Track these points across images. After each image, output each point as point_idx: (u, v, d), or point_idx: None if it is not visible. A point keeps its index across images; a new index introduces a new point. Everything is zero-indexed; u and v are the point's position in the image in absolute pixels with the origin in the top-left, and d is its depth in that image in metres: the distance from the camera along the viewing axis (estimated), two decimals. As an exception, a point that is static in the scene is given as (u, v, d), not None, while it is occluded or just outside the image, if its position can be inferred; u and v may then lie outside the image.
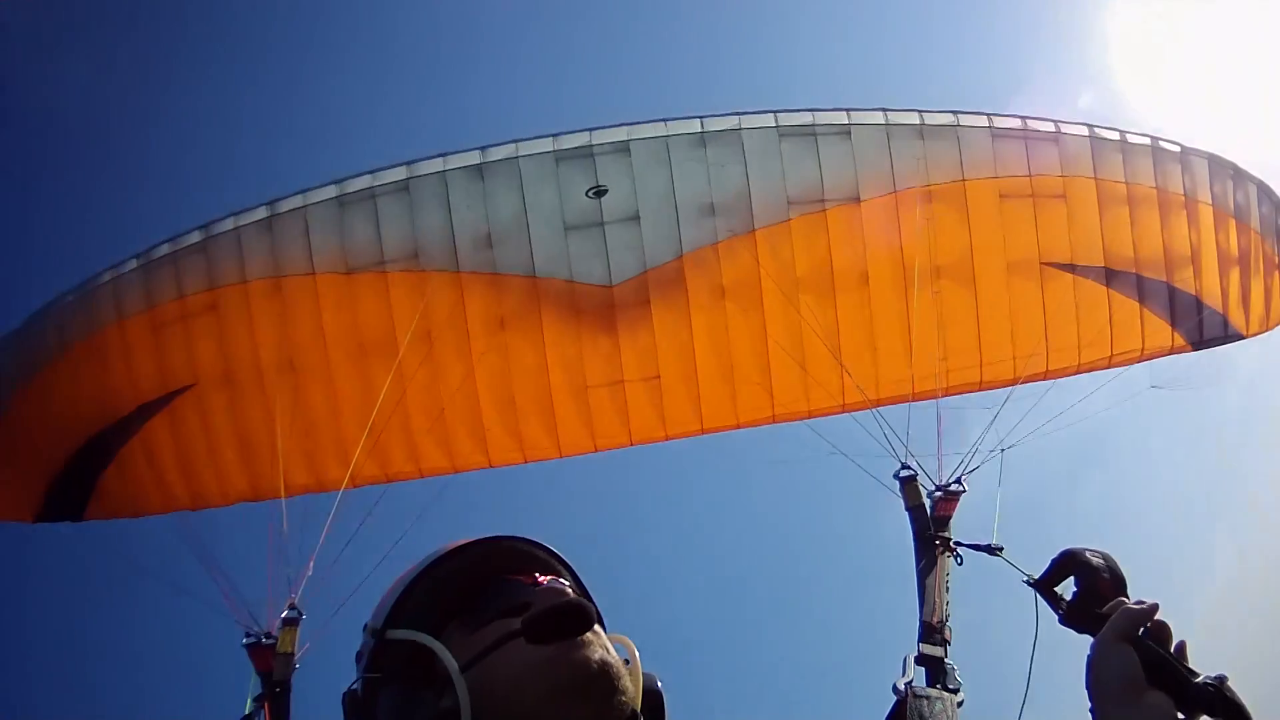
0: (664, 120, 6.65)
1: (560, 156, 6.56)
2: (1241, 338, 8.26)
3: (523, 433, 6.61)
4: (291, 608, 5.66)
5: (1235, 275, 7.99)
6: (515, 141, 6.64)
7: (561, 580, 1.76)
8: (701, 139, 6.63)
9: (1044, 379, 7.30)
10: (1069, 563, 2.36)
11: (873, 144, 6.78)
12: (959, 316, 6.93)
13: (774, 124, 6.70)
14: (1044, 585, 2.58)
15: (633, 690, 1.60)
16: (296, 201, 6.77)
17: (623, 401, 6.60)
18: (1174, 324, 7.79)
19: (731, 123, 6.68)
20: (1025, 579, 3.97)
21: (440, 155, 6.67)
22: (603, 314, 6.50)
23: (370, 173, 6.70)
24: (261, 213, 6.78)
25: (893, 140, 6.83)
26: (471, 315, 6.55)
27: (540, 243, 6.53)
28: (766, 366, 6.57)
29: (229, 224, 6.82)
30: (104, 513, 7.10)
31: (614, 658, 1.58)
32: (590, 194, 6.52)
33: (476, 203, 6.57)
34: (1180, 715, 1.70)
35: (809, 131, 6.70)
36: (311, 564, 5.76)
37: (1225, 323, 8.05)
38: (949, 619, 5.16)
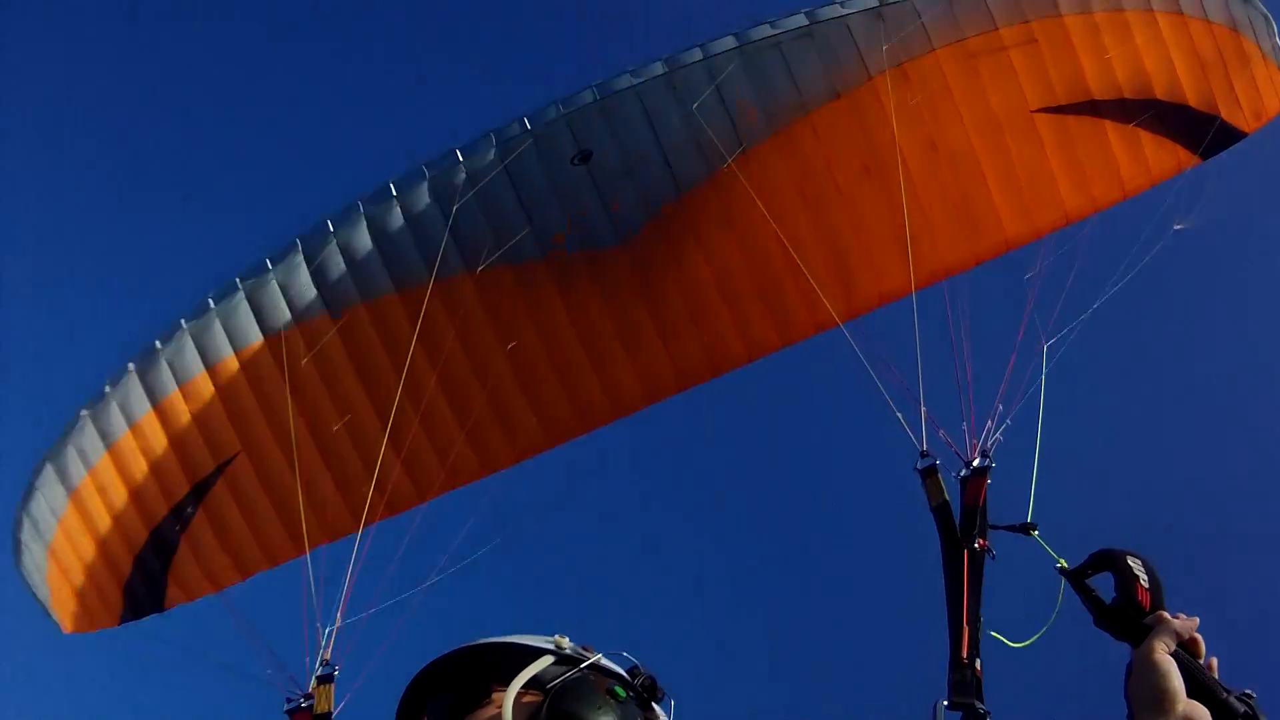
0: (628, 72, 6.62)
1: (537, 135, 6.53)
2: (1243, 135, 8.19)
3: (578, 398, 6.65)
4: (325, 664, 5.67)
5: (1218, 75, 7.92)
6: (490, 133, 6.62)
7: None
8: (669, 80, 6.59)
9: (1064, 225, 7.25)
10: (1106, 563, 2.34)
11: (837, 38, 6.73)
12: (967, 184, 6.88)
13: (736, 45, 6.65)
14: (1076, 576, 2.53)
15: None
16: (296, 258, 6.77)
17: (668, 346, 6.63)
18: (1174, 137, 7.73)
19: (695, 55, 6.63)
20: (1057, 566, 3.90)
21: (422, 165, 6.66)
22: (624, 271, 6.50)
23: (359, 200, 6.71)
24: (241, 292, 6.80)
25: (854, 30, 6.77)
26: (495, 310, 6.56)
27: (542, 222, 6.53)
28: (795, 275, 6.53)
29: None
30: (185, 596, 7.14)
31: None
32: (576, 161, 6.50)
33: (469, 204, 6.56)
34: None
35: (773, 43, 6.65)
36: (340, 615, 5.79)
37: (1222, 124, 7.98)
38: (980, 646, 4.81)
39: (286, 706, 5.69)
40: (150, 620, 7.78)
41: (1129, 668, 1.94)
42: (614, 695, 1.76)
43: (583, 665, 1.81)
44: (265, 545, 6.87)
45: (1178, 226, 7.56)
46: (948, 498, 5.29)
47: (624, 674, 1.85)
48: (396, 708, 1.90)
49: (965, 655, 4.74)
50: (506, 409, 6.62)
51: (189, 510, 6.86)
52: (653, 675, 1.85)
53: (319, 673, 5.68)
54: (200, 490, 6.90)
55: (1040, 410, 5.93)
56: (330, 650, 5.80)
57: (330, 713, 5.60)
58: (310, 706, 5.60)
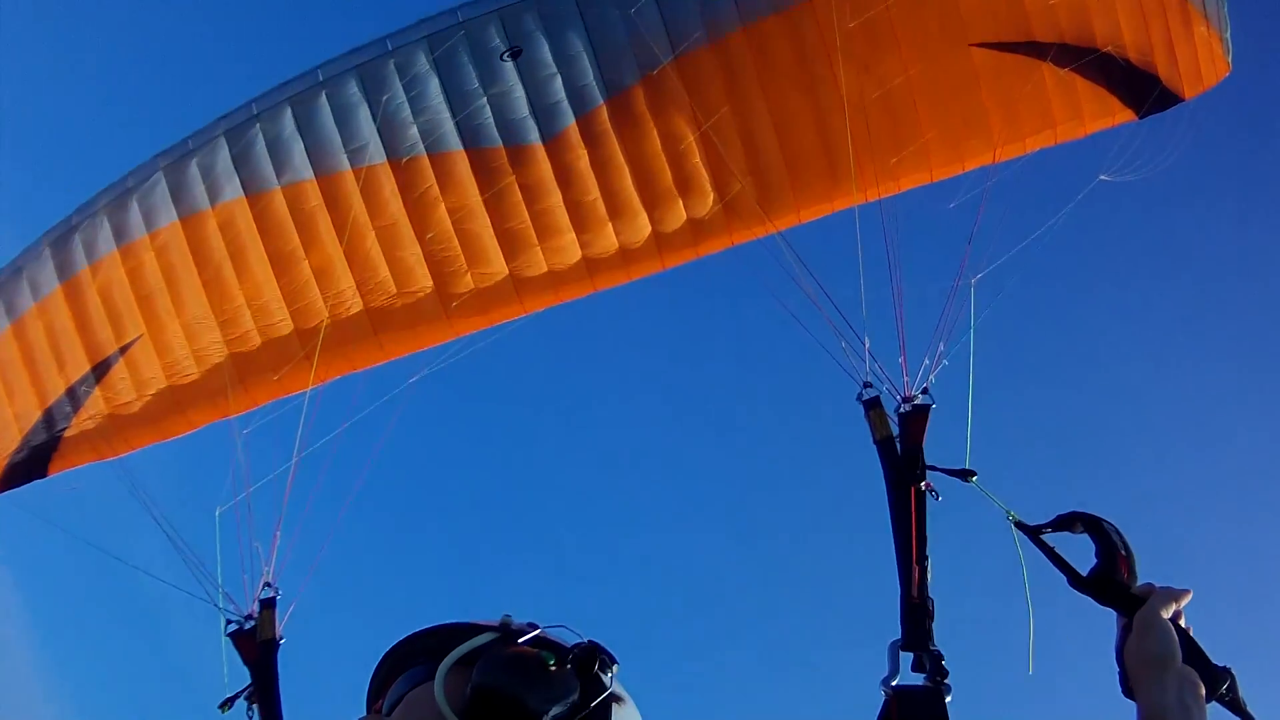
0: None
1: (468, 28, 6.45)
2: (1180, 100, 8.25)
3: (487, 290, 6.61)
4: (267, 585, 5.60)
5: (1160, 35, 7.97)
6: (421, 22, 6.53)
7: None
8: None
9: (992, 162, 7.27)
10: (1086, 526, 2.37)
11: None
12: (897, 111, 6.88)
13: None
14: (1034, 532, 2.60)
15: None
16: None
17: (572, 254, 6.62)
18: (1112, 90, 7.77)
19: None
20: (1010, 519, 3.72)
21: (350, 52, 6.56)
22: (543, 167, 6.45)
23: (284, 84, 6.59)
24: (170, 156, 6.68)
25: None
26: (415, 199, 6.49)
27: (467, 115, 6.45)
28: (720, 182, 6.50)
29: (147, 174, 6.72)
30: (68, 465, 7.03)
31: None
32: (505, 57, 6.43)
33: (396, 93, 6.48)
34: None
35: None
36: (278, 533, 5.74)
37: (1161, 85, 8.04)
38: (930, 585, 4.81)
39: (229, 630, 5.58)
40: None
41: (1124, 629, 2.10)
42: (541, 664, 1.77)
43: (520, 640, 1.82)
44: (157, 423, 6.79)
45: (1104, 177, 7.61)
46: (893, 432, 5.28)
47: (562, 644, 1.84)
48: (366, 693, 1.98)
49: (916, 595, 4.74)
50: (416, 299, 6.58)
51: (85, 389, 6.75)
52: (593, 644, 1.84)
53: (261, 596, 5.59)
54: (100, 370, 6.79)
55: (971, 349, 5.93)
56: (272, 570, 5.73)
57: (275, 639, 5.47)
58: (254, 629, 5.48)
